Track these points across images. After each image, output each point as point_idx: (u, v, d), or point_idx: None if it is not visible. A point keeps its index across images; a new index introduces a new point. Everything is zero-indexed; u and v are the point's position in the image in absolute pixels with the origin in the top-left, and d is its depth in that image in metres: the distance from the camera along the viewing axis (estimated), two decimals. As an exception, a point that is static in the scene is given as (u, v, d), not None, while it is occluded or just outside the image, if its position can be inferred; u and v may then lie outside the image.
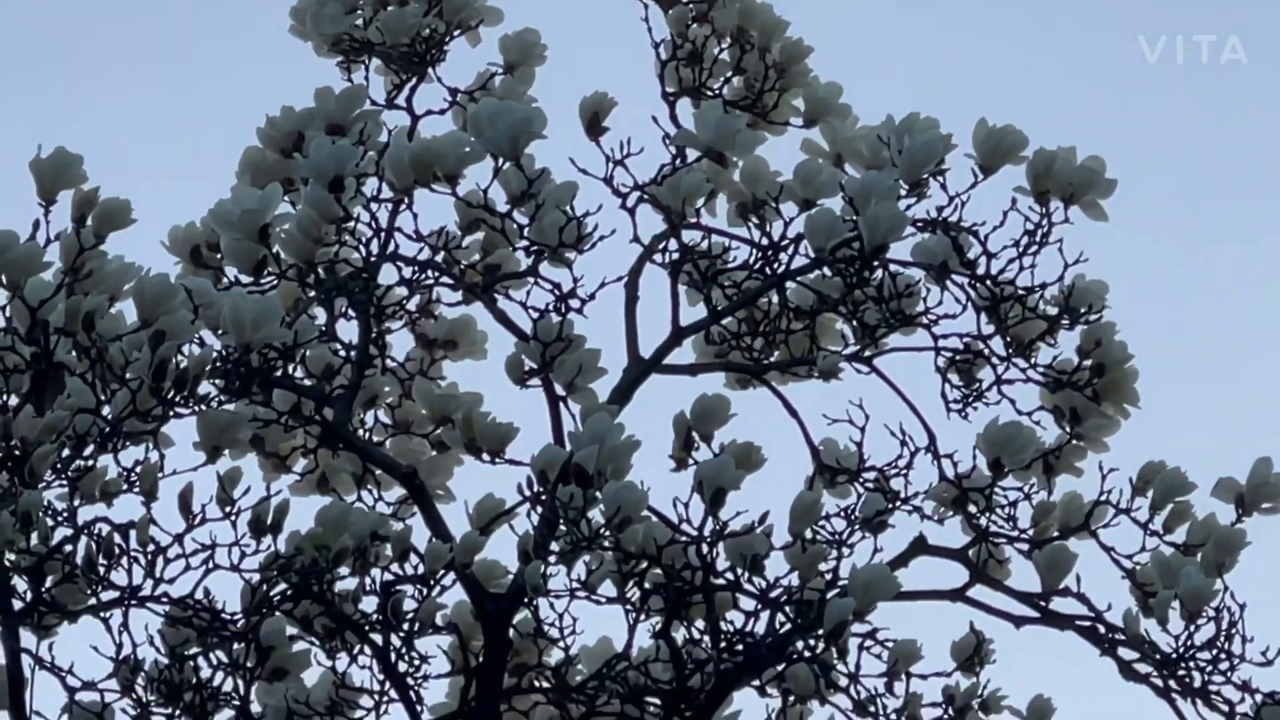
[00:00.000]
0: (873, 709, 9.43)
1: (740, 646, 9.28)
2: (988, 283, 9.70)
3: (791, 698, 9.63)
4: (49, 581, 9.15)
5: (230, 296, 9.36)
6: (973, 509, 9.72)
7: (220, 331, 9.24)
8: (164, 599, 9.13)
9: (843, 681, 9.28)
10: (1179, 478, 9.72)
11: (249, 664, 9.34)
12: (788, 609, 9.22)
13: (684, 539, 9.12)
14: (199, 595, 9.12)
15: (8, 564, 9.15)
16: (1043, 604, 9.77)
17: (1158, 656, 9.48)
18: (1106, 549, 9.71)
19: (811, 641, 9.19)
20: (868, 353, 9.96)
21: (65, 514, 9.07)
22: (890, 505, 9.59)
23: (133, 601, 9.18)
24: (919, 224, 9.76)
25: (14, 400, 9.17)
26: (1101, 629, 9.66)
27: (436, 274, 9.96)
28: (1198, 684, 9.46)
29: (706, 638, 9.33)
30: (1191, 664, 9.49)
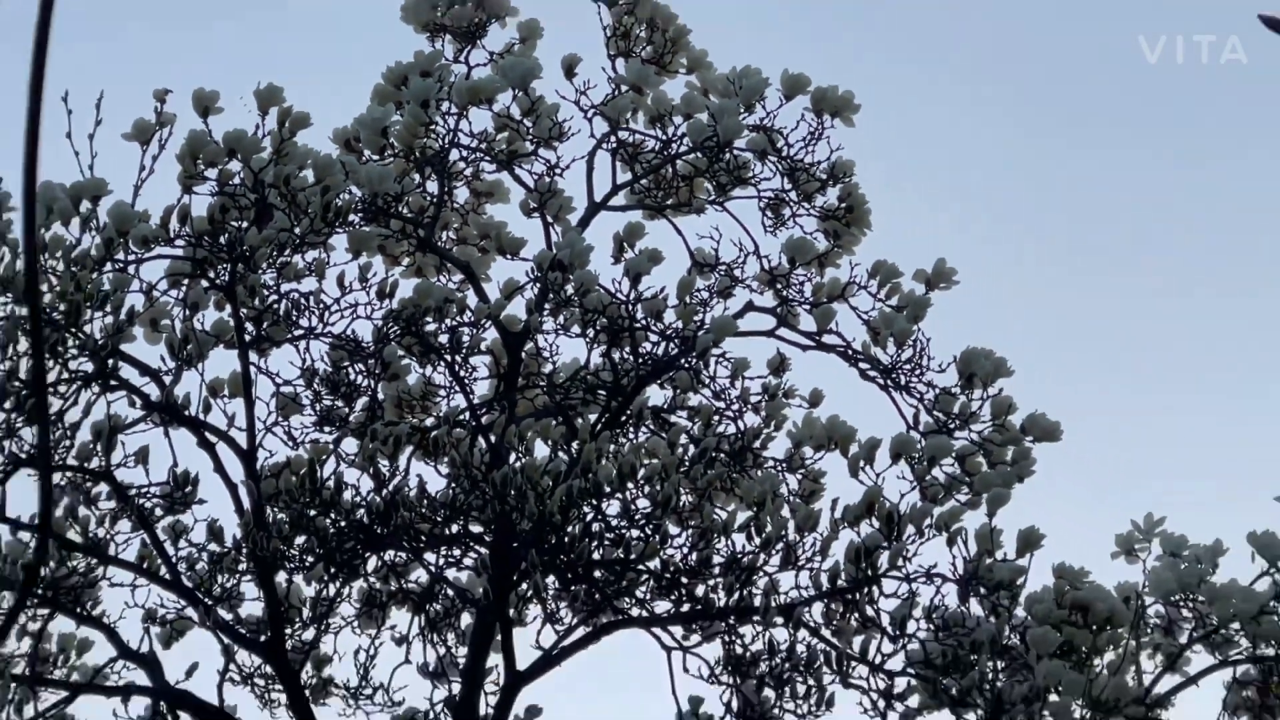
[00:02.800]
0: (723, 396, 10.50)
1: (649, 361, 10.29)
2: (787, 160, 10.71)
3: (678, 390, 10.67)
4: (265, 323, 10.12)
5: (366, 166, 10.31)
6: (779, 286, 10.68)
7: (361, 187, 10.25)
8: (329, 335, 10.13)
9: (706, 382, 10.37)
10: (893, 268, 10.58)
11: (377, 371, 10.24)
12: (676, 340, 10.21)
13: (619, 300, 10.14)
14: (348, 333, 10.14)
15: (243, 314, 10.03)
16: (818, 338, 10.68)
17: (881, 367, 10.51)
18: (854, 309, 10.62)
19: (691, 359, 10.22)
20: (722, 199, 10.94)
21: (274, 287, 10.10)
22: (733, 284, 10.66)
23: (312, 337, 10.16)
24: (750, 128, 10.68)
25: (245, 224, 9.99)
26: (850, 352, 10.62)
27: (481, 154, 10.85)
28: (903, 382, 10.51)
29: (630, 356, 10.29)
30: (900, 371, 10.51)
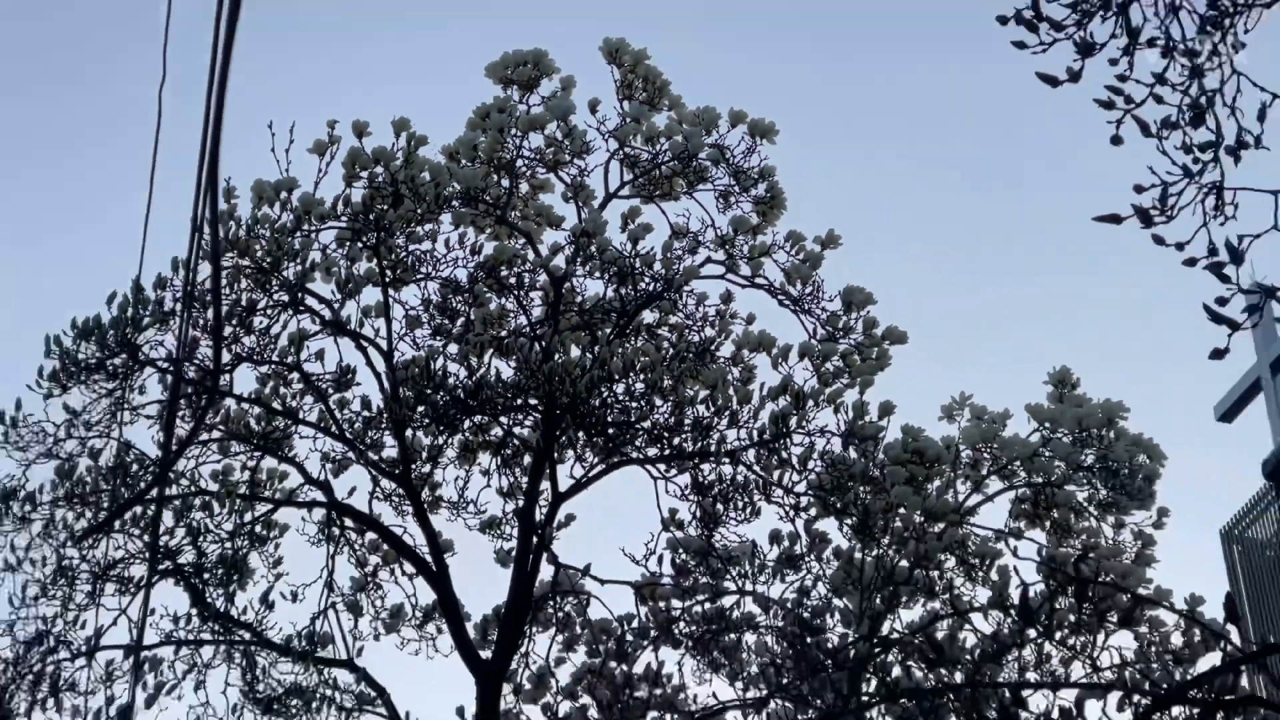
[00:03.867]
0: (691, 317, 11.76)
1: (644, 294, 11.63)
2: (733, 166, 12.02)
3: (662, 313, 11.97)
4: (398, 270, 11.69)
5: (463, 169, 11.66)
6: (727, 246, 11.95)
7: (459, 183, 11.61)
8: (439, 278, 11.78)
9: (680, 308, 11.81)
10: (800, 235, 11.84)
11: (470, 301, 11.72)
12: (660, 281, 11.55)
13: (624, 255, 11.51)
14: (452, 276, 11.76)
15: (384, 264, 11.52)
16: (752, 280, 11.94)
17: (792, 298, 11.89)
18: (775, 261, 11.96)
19: (670, 293, 11.62)
20: (691, 191, 12.25)
21: (404, 246, 11.69)
22: (697, 245, 11.93)
23: (428, 279, 11.75)
24: (709, 145, 11.96)
25: (385, 206, 11.45)
26: (772, 289, 11.95)
27: (536, 162, 12.16)
28: (807, 308, 11.88)
29: (632, 291, 11.57)
30: (805, 301, 11.86)
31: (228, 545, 11.57)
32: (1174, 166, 5.44)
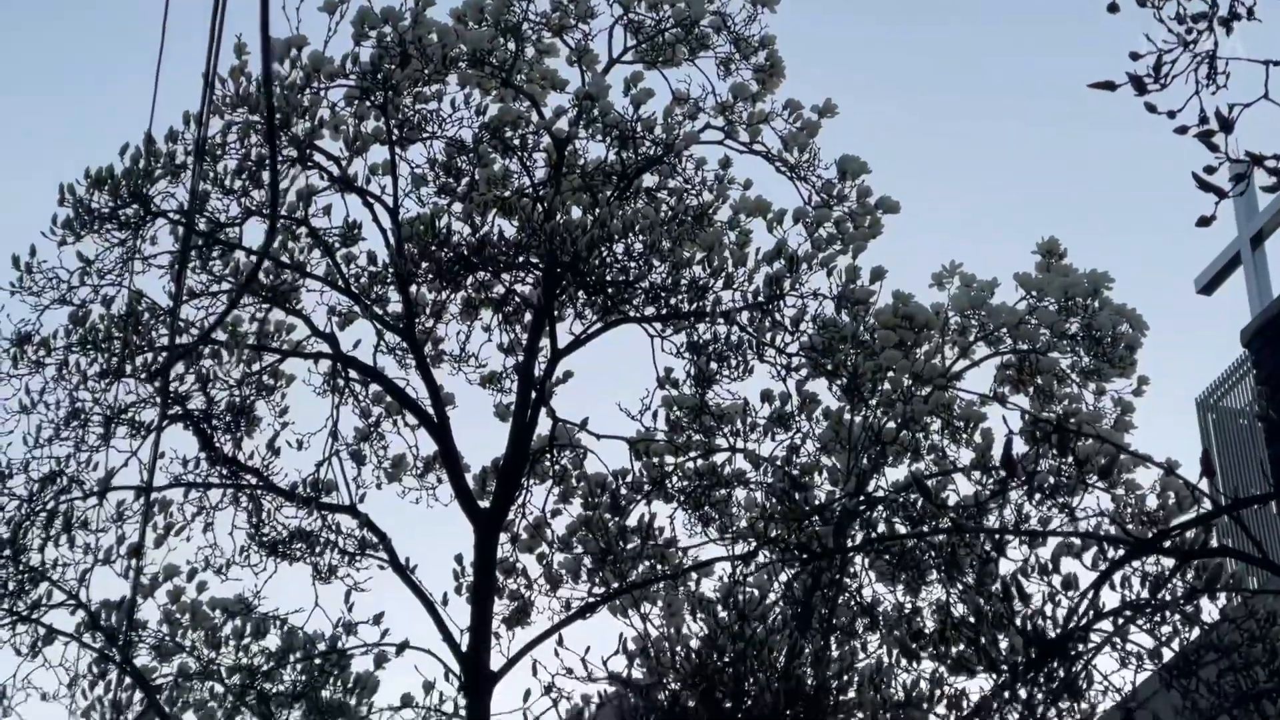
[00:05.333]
0: (690, 181, 11.93)
1: (645, 158, 11.81)
2: (734, 34, 12.22)
3: (662, 177, 12.10)
4: (405, 129, 11.74)
5: (471, 31, 11.80)
6: (727, 113, 12.10)
7: (466, 45, 11.69)
8: (445, 137, 11.81)
9: (679, 171, 12.00)
10: (798, 103, 11.98)
11: (475, 161, 11.74)
12: (661, 145, 11.72)
13: (626, 119, 11.67)
14: (457, 136, 11.83)
15: (392, 122, 11.58)
16: (750, 146, 12.15)
17: (789, 165, 12.06)
18: (773, 129, 12.18)
19: (670, 157, 11.84)
20: (693, 58, 12.26)
21: (411, 106, 11.73)
22: (698, 111, 12.07)
23: (434, 138, 11.83)
24: (710, 12, 12.09)
25: (393, 66, 11.46)
26: (769, 155, 12.14)
27: (542, 25, 12.20)
28: (803, 175, 12.11)
29: (632, 154, 11.77)
30: (801, 168, 12.06)
31: (236, 393, 11.77)
32: (1169, 35, 5.48)
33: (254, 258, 11.68)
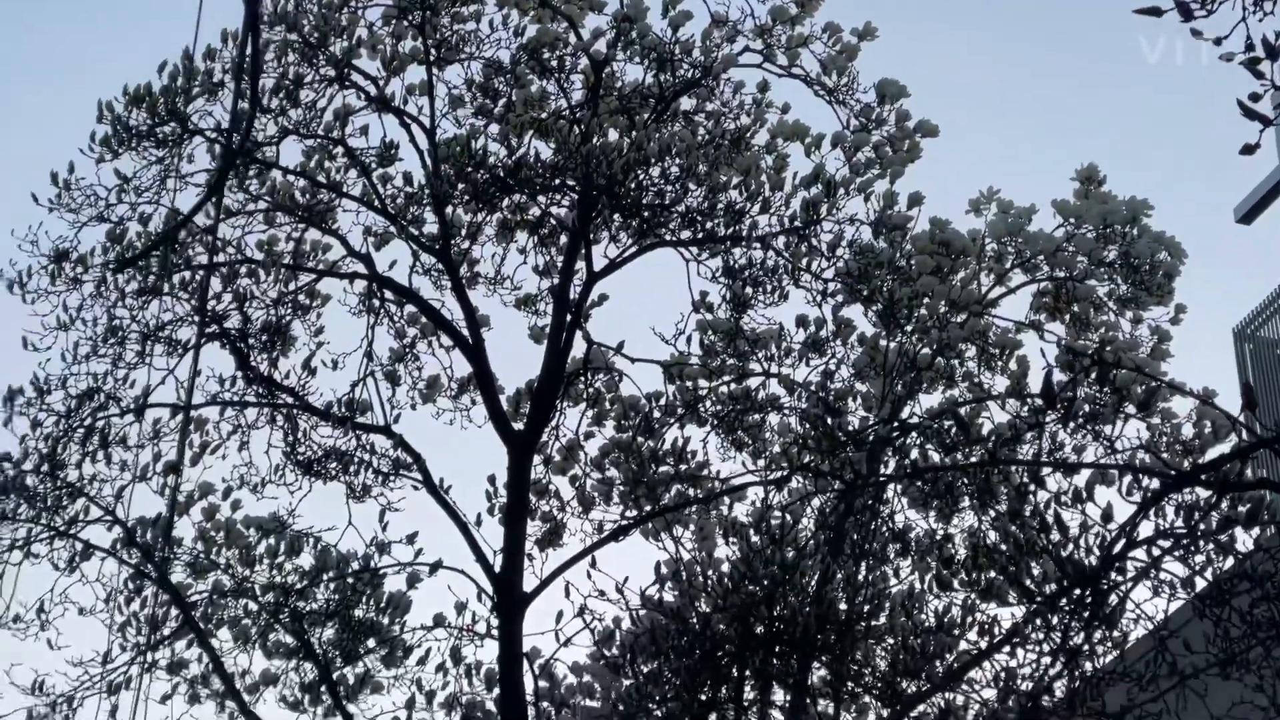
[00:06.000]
0: (728, 104, 11.87)
1: (682, 80, 11.79)
2: None
3: (699, 100, 12.04)
4: (443, 49, 11.75)
5: None
6: (765, 36, 11.93)
7: None
8: (483, 58, 11.82)
9: (717, 95, 11.92)
10: (837, 26, 11.83)
11: (512, 82, 11.77)
12: (699, 68, 11.69)
13: (665, 42, 11.66)
14: (494, 57, 11.84)
15: (429, 42, 11.57)
16: (789, 70, 11.95)
17: (828, 89, 11.86)
18: (812, 52, 11.99)
19: (708, 80, 11.80)
20: None
21: (449, 26, 11.77)
22: (736, 33, 11.86)
23: (471, 59, 11.84)
24: None
25: None
26: (808, 79, 11.95)
27: None
28: (841, 99, 11.87)
29: (671, 77, 11.76)
30: (840, 91, 11.86)
31: (272, 312, 11.83)
32: (1217, -41, 5.41)
33: (290, 178, 11.69)
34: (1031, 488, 7.29)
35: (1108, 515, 5.87)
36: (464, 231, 11.98)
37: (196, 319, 11.51)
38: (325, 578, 11.10)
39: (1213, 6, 5.29)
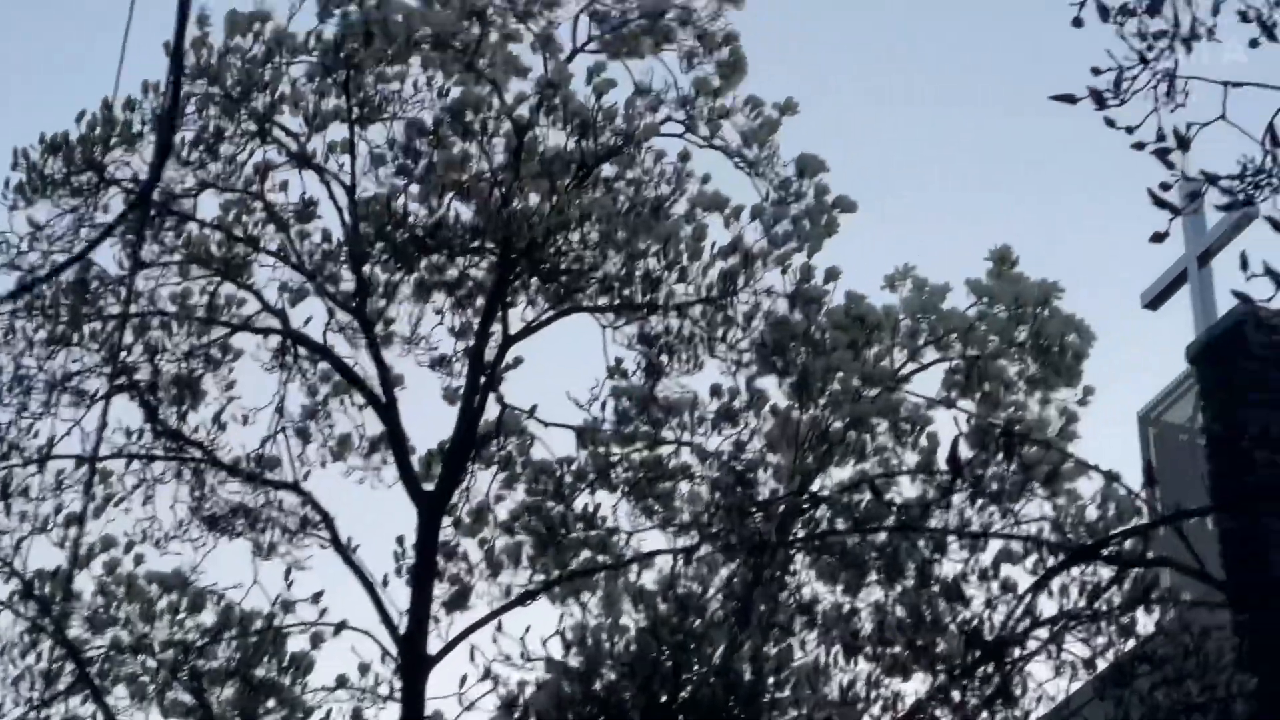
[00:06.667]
0: (648, 172, 11.79)
1: (604, 147, 11.67)
2: (698, 28, 12.10)
3: (621, 167, 11.93)
4: (366, 108, 11.77)
5: (435, 13, 11.64)
6: (688, 107, 12.02)
7: (431, 26, 11.55)
8: (405, 118, 11.73)
9: (639, 163, 11.82)
10: (759, 100, 11.98)
11: (434, 143, 11.67)
12: (621, 135, 11.59)
13: (588, 109, 11.57)
14: (418, 117, 11.73)
15: (352, 101, 11.57)
16: (710, 141, 12.02)
17: (748, 160, 11.97)
18: (733, 124, 12.06)
19: (630, 148, 11.71)
20: (656, 51, 12.12)
21: (373, 85, 11.72)
22: (659, 103, 11.96)
23: (394, 119, 11.71)
24: (674, 5, 12.06)
25: (356, 46, 11.43)
26: (729, 150, 12.05)
27: (508, 8, 12.00)
28: (761, 171, 11.96)
29: (592, 143, 11.59)
30: (759, 164, 11.95)
31: (184, 366, 11.74)
32: (1130, 52, 5.52)
33: (207, 230, 11.63)
34: (938, 558, 7.26)
35: (1007, 586, 5.86)
36: (381, 290, 11.94)
37: (107, 370, 11.42)
38: (227, 635, 11.00)
39: (1126, 96, 5.37)
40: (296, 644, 11.17)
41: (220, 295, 11.96)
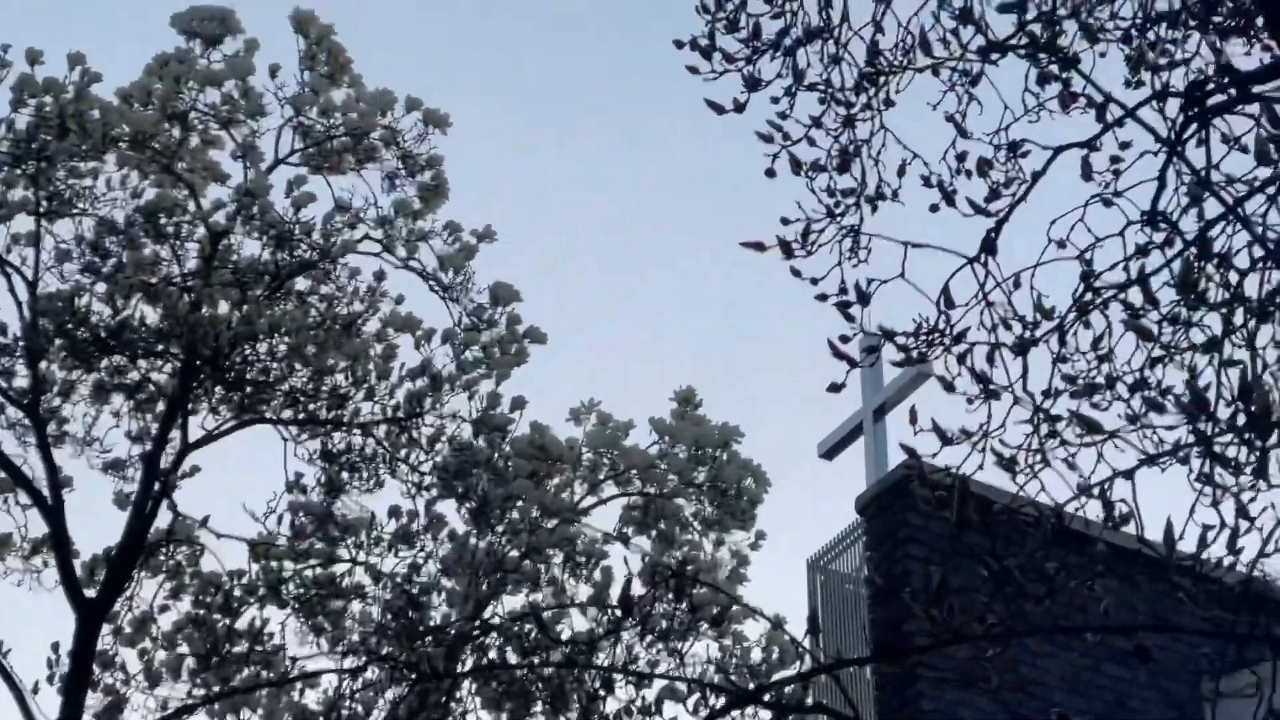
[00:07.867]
0: (342, 288, 11.68)
1: (299, 260, 11.50)
2: (403, 149, 12.06)
3: (315, 281, 11.87)
4: (54, 202, 11.52)
5: (136, 113, 11.43)
6: (387, 226, 11.94)
7: (130, 125, 11.37)
8: (96, 215, 11.46)
9: (333, 278, 11.74)
10: (457, 224, 11.88)
11: (124, 244, 11.43)
12: (318, 250, 11.48)
13: (286, 221, 11.48)
14: (109, 215, 11.45)
15: (41, 195, 11.28)
16: (406, 262, 11.93)
17: (444, 285, 11.87)
18: (431, 248, 12.00)
19: (326, 262, 11.73)
20: (358, 169, 12.00)
21: (64, 179, 11.40)
22: (358, 220, 11.76)
23: (84, 215, 11.44)
24: (382, 126, 12.01)
25: (50, 138, 11.17)
26: (425, 273, 11.97)
27: (210, 116, 11.77)
28: (456, 296, 11.89)
29: (288, 256, 11.47)
30: (455, 288, 12.04)
31: None
32: (819, 206, 5.65)
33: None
34: (603, 694, 7.22)
35: (672, 729, 5.82)
36: (57, 388, 11.58)
37: None
38: None
39: (812, 248, 5.48)
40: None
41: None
